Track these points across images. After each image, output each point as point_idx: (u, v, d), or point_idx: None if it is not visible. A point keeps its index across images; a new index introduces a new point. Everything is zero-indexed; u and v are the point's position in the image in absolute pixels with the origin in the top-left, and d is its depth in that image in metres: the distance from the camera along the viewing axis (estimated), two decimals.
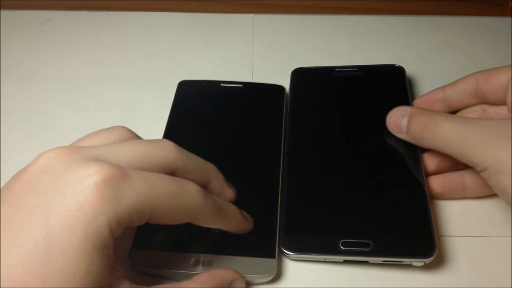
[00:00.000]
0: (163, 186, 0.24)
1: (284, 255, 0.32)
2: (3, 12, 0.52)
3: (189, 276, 0.30)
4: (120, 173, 0.22)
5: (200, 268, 0.31)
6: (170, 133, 0.39)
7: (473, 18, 0.52)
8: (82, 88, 0.44)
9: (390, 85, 0.41)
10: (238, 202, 0.32)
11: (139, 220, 0.23)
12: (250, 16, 0.52)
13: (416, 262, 0.31)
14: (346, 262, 0.32)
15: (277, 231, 0.32)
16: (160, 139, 0.28)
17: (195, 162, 0.29)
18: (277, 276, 0.31)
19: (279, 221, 0.33)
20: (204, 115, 0.40)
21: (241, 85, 0.42)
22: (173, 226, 0.29)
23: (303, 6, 0.54)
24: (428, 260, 0.30)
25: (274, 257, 0.31)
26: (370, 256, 0.31)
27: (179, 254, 0.31)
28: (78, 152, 0.24)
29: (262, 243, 0.32)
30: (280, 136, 0.38)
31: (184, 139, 0.38)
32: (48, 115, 0.42)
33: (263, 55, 0.48)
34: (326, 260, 0.32)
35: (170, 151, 0.27)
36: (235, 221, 0.30)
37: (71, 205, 0.21)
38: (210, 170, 0.30)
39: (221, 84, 0.42)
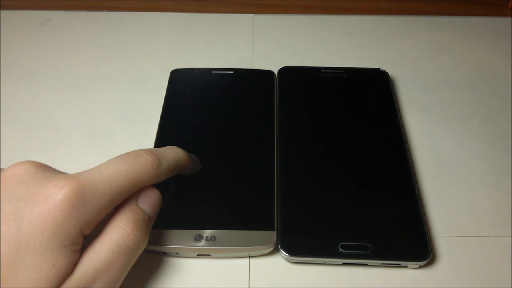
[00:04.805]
0: (122, 176, 0.27)
1: (284, 257, 0.32)
2: (3, 12, 0.52)
3: (192, 252, 0.31)
4: (85, 183, 0.26)
5: (203, 243, 0.31)
6: (165, 122, 0.39)
7: (473, 18, 0.52)
8: (82, 88, 0.44)
9: (374, 88, 0.42)
10: (237, 182, 0.35)
11: (110, 209, 0.27)
12: (250, 16, 0.52)
13: (412, 264, 0.31)
14: (344, 264, 0.32)
15: (275, 205, 0.33)
16: (140, 152, 0.29)
17: (170, 163, 0.30)
18: (277, 277, 0.32)
19: (278, 223, 0.33)
20: (197, 102, 0.41)
21: (232, 71, 0.44)
22: (175, 204, 0.33)
23: (303, 6, 0.54)
24: (423, 263, 0.31)
25: (274, 230, 0.32)
26: (369, 258, 0.31)
27: (181, 231, 0.32)
28: (49, 167, 0.28)
29: (262, 217, 0.33)
30: (273, 118, 0.39)
31: (178, 127, 0.39)
32: (48, 115, 0.42)
33: (263, 55, 0.48)
34: (326, 262, 0.32)
35: (148, 166, 0.28)
36: (188, 170, 0.34)
37: (41, 212, 0.24)
38: (179, 157, 0.32)
39: (213, 72, 0.44)
